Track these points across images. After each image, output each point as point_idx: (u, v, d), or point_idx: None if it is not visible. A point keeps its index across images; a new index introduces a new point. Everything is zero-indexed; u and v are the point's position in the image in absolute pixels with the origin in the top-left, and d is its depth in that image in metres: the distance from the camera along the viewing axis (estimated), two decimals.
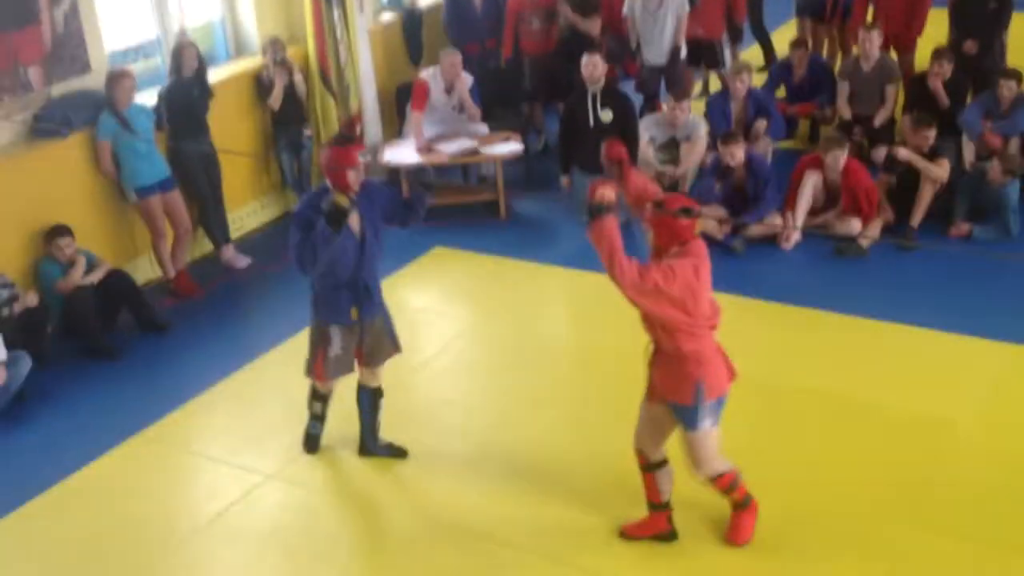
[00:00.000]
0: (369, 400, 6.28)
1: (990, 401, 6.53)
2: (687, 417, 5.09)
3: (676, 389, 5.07)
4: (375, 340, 6.11)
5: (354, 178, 5.62)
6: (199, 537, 5.78)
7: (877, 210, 8.73)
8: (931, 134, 8.61)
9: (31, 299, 7.33)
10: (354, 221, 5.68)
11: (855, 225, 8.62)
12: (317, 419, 6.39)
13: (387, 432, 6.53)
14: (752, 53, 12.47)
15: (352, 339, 5.99)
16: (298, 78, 9.37)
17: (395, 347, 6.21)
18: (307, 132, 9.61)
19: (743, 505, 5.41)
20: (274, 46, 9.28)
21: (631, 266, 4.81)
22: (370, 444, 6.33)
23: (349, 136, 5.76)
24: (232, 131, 9.21)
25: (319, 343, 5.99)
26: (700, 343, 5.01)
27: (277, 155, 9.57)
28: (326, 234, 5.43)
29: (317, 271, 5.62)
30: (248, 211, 9.63)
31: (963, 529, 5.48)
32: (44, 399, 7.18)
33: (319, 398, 6.32)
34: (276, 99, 9.26)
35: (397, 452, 6.33)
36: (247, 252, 9.15)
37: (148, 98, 8.57)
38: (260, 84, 9.37)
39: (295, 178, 9.64)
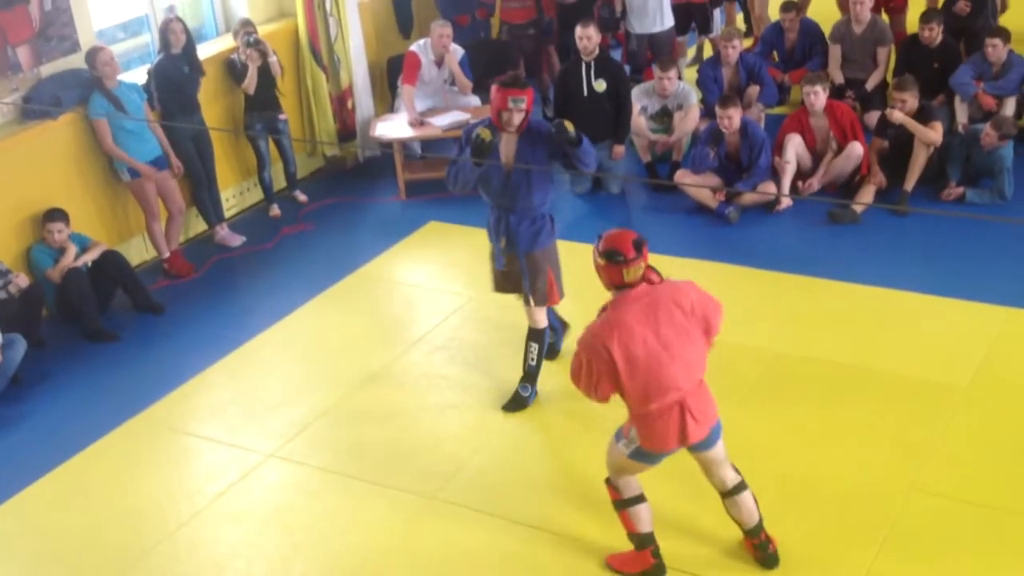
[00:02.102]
0: (526, 338, 6.43)
1: (986, 365, 6.54)
2: (618, 430, 4.93)
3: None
4: (532, 275, 6.23)
5: (506, 119, 5.91)
6: (199, 519, 5.80)
7: (867, 156, 8.81)
8: (907, 96, 8.56)
9: (21, 280, 7.32)
10: (506, 155, 6.04)
11: (857, 149, 8.70)
12: (528, 378, 6.49)
13: (379, 404, 6.63)
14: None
15: (509, 262, 6.28)
16: (273, 60, 9.04)
17: (547, 293, 6.26)
18: (281, 116, 9.26)
19: (638, 546, 5.05)
20: (244, 28, 8.99)
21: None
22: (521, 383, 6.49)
23: (511, 80, 5.97)
24: (221, 107, 9.17)
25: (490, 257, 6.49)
26: (640, 409, 4.69)
27: (252, 141, 9.26)
28: (467, 161, 5.90)
29: (459, 190, 6.15)
30: (240, 190, 9.59)
31: (963, 493, 5.51)
32: (41, 382, 7.19)
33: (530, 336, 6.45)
34: (251, 83, 8.94)
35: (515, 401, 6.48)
36: (241, 231, 9.13)
37: (138, 76, 8.53)
38: (233, 68, 9.05)
39: (271, 166, 9.35)
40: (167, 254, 8.52)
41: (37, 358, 7.28)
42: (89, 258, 7.75)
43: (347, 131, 10.14)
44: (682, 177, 8.94)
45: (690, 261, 7.97)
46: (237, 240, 9.02)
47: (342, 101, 10.02)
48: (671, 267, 7.56)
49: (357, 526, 5.66)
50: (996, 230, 8.08)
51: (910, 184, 8.65)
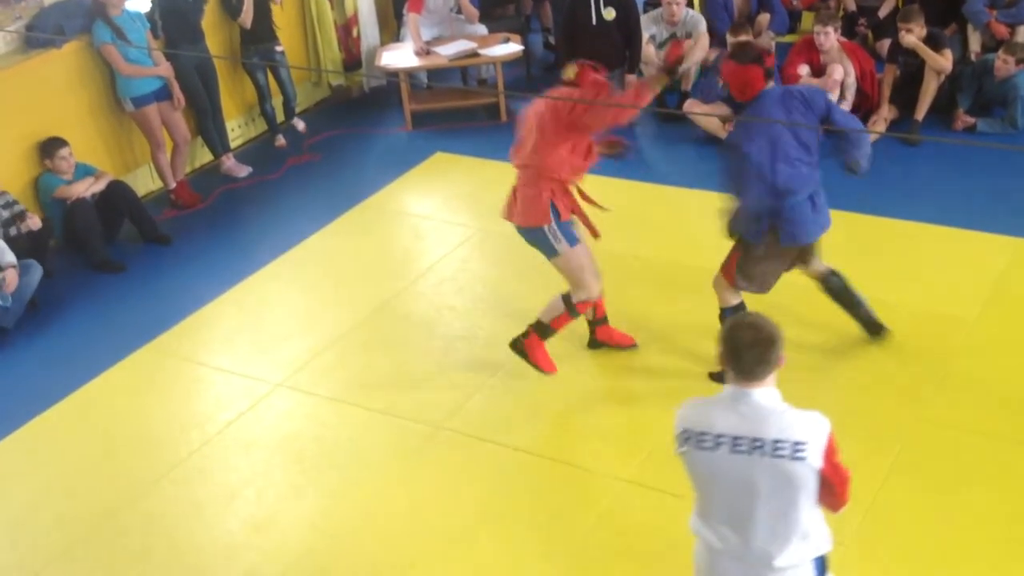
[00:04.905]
0: None
1: (995, 296, 6.52)
2: None
3: None
4: None
5: None
6: (210, 447, 5.84)
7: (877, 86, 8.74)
8: (912, 27, 8.43)
9: (33, 223, 7.29)
10: None
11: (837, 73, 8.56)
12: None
13: (387, 335, 6.60)
14: None
15: None
16: None
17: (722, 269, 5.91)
18: (278, 48, 9.14)
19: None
20: None
21: None
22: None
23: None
24: (219, 39, 9.08)
25: None
26: None
27: (251, 73, 9.18)
28: None
29: None
30: (246, 120, 9.54)
31: (970, 423, 5.52)
32: (51, 312, 7.21)
33: None
34: (247, 16, 8.83)
35: None
36: (247, 162, 9.09)
37: (141, 4, 8.43)
38: (227, 2, 8.91)
39: (271, 98, 9.29)
40: (173, 184, 8.50)
41: (46, 288, 7.29)
42: (96, 188, 7.73)
43: (352, 60, 10.06)
44: (691, 107, 8.86)
45: (699, 192, 7.93)
46: (243, 170, 8.98)
47: (347, 30, 9.93)
48: (680, 198, 7.61)
49: (365, 455, 5.69)
50: (1007, 160, 8.02)
51: (921, 114, 8.59)
